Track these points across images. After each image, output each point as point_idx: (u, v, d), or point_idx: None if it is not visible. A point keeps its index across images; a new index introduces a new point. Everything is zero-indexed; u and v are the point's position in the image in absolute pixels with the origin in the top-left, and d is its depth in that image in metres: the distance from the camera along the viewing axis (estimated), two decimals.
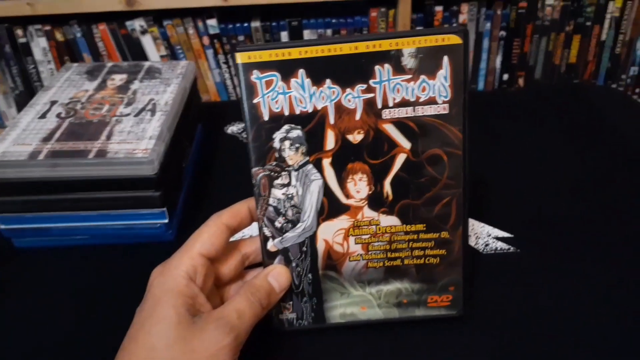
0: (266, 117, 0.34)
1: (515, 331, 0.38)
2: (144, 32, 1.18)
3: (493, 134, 0.62)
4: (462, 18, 1.20)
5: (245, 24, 1.21)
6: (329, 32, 1.21)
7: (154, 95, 0.54)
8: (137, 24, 1.17)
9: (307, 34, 1.21)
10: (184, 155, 0.54)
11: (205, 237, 0.35)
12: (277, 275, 0.36)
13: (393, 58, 0.34)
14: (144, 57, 1.20)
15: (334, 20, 1.21)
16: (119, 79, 0.58)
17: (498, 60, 1.25)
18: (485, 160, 0.57)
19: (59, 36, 1.19)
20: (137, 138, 0.47)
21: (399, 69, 0.34)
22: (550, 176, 0.54)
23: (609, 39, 1.24)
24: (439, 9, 1.19)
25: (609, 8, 1.20)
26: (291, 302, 0.38)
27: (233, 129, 0.65)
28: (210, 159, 0.59)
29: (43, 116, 0.50)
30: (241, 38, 1.20)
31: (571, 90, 0.72)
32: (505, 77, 1.26)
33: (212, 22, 1.19)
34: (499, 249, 0.45)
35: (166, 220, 0.46)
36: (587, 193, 0.51)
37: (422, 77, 0.34)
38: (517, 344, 0.37)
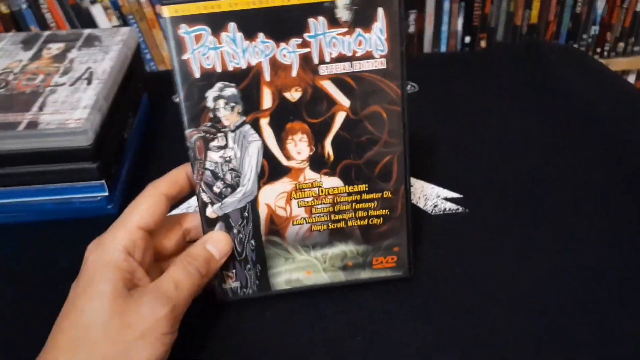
0: (197, 75, 0.33)
1: (462, 294, 0.37)
2: (93, 1, 1.13)
3: (450, 95, 0.61)
4: None
5: None
6: None
7: (91, 63, 0.51)
8: None
9: None
10: (125, 125, 0.51)
11: (143, 209, 0.34)
12: (216, 242, 0.35)
13: (327, 10, 0.32)
14: (95, 28, 1.15)
15: None
16: (55, 48, 0.55)
17: (459, 23, 1.23)
18: (440, 121, 0.56)
19: (3, 8, 1.13)
20: (71, 108, 0.44)
21: (333, 22, 0.32)
22: (503, 137, 0.53)
23: None
24: None
25: None
26: (234, 270, 0.36)
27: None
28: (157, 129, 0.57)
29: None
30: None
31: (531, 50, 0.71)
32: (467, 39, 1.26)
33: None
34: (447, 209, 0.44)
35: (106, 193, 0.44)
36: (540, 153, 0.51)
37: (358, 30, 0.33)
38: (465, 304, 0.37)
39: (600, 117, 0.55)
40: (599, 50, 1.32)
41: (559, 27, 1.28)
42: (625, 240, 0.41)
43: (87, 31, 0.58)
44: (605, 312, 0.36)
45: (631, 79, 1.41)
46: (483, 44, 1.27)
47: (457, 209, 0.44)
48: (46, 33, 0.58)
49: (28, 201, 0.45)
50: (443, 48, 1.26)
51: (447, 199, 0.45)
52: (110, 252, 0.32)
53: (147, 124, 0.57)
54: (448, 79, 0.64)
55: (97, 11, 1.14)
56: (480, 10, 1.22)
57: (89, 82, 0.48)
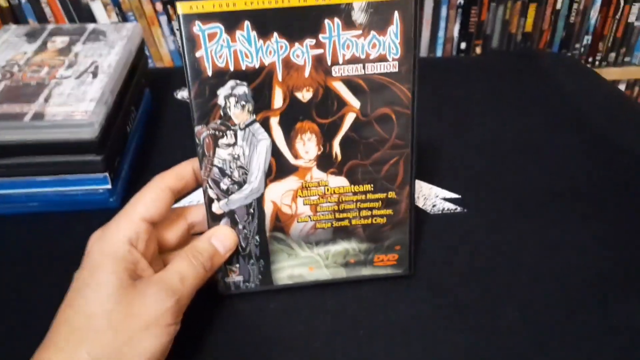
0: (209, 72, 0.33)
1: (461, 289, 0.38)
2: None
3: (447, 98, 0.62)
4: None
5: None
6: None
7: (97, 57, 0.51)
8: None
9: None
10: (128, 119, 0.52)
11: (148, 201, 0.34)
12: (222, 237, 0.35)
13: (343, 12, 0.33)
14: (99, 23, 1.14)
15: None
16: (60, 41, 0.55)
17: (456, 29, 1.25)
18: (438, 123, 0.57)
19: (2, 2, 1.12)
20: (77, 100, 0.44)
21: (349, 24, 0.33)
22: (498, 139, 0.54)
23: (564, 7, 1.26)
24: None
25: None
26: (238, 265, 0.37)
27: (183, 94, 0.63)
28: (158, 124, 0.57)
29: None
30: None
31: (525, 57, 0.72)
32: (463, 45, 1.27)
33: None
34: (446, 209, 0.45)
35: (109, 186, 0.45)
36: (533, 154, 0.52)
37: (373, 33, 0.33)
38: (462, 301, 0.38)
39: (591, 120, 0.57)
40: (590, 59, 1.34)
41: (552, 36, 1.29)
42: (618, 238, 0.42)
43: (91, 26, 0.58)
44: (601, 306, 0.37)
45: (621, 88, 1.43)
46: (478, 50, 1.28)
47: (455, 208, 0.45)
48: (50, 26, 0.58)
49: (31, 192, 0.45)
50: (439, 53, 1.27)
51: (445, 199, 0.46)
52: (114, 242, 0.32)
53: (148, 118, 0.58)
54: (445, 82, 0.65)
55: (96, 7, 1.13)
56: (477, 17, 1.24)
57: (95, 75, 0.48)
